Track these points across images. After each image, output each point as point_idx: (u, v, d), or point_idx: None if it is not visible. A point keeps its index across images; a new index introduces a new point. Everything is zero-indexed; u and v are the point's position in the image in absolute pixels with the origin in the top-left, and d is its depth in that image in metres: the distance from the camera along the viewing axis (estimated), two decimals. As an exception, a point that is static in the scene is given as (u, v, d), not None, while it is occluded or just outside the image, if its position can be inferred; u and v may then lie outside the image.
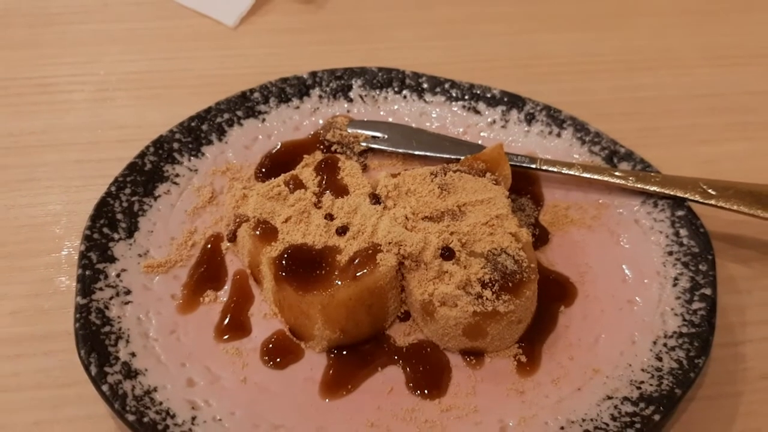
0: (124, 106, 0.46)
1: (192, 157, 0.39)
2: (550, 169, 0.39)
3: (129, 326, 0.32)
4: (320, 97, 0.42)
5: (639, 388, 0.31)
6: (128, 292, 0.33)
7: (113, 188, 0.36)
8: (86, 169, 0.42)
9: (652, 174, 0.38)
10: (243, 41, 0.51)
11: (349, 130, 0.41)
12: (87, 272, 0.33)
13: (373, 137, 0.41)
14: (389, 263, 0.32)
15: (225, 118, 0.41)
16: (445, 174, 0.36)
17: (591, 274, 0.36)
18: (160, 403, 0.29)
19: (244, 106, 0.41)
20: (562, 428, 0.30)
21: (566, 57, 0.51)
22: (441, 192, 0.35)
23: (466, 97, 0.42)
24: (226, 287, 0.35)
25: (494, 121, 0.42)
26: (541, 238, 0.38)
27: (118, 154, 0.41)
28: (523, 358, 0.33)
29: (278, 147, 0.41)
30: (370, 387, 0.32)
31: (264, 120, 0.41)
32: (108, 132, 0.44)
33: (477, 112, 0.42)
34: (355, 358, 0.32)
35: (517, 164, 0.39)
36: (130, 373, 0.30)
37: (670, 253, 0.36)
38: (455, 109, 0.42)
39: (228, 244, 0.36)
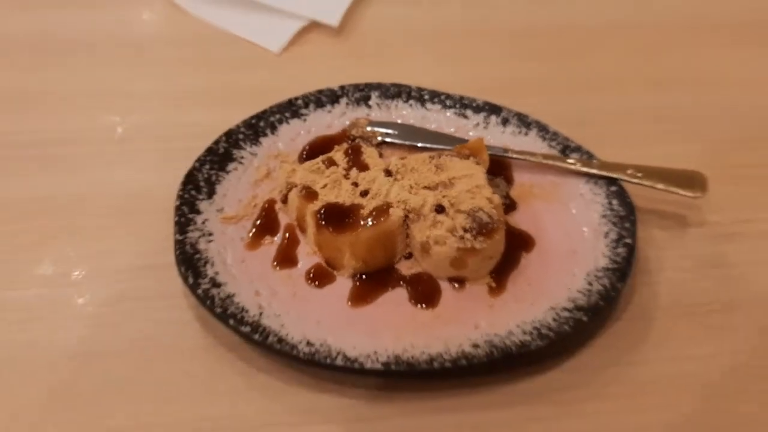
0: (195, 110, 0.58)
1: (252, 145, 0.52)
2: (519, 157, 0.51)
3: (212, 255, 0.44)
4: (347, 104, 0.55)
5: (574, 302, 0.42)
6: (211, 234, 0.46)
7: (197, 164, 0.49)
8: (169, 155, 0.53)
9: (594, 161, 0.51)
10: (286, 64, 0.64)
11: (368, 129, 0.54)
12: (181, 219, 0.46)
13: (387, 133, 0.54)
14: (398, 215, 0.45)
15: (276, 117, 0.54)
16: (440, 157, 0.49)
17: (546, 232, 0.48)
18: (237, 303, 0.42)
19: (290, 109, 0.54)
20: (518, 326, 0.41)
21: (538, 80, 0.62)
22: (436, 170, 0.48)
23: (457, 105, 0.55)
24: (279, 234, 0.47)
25: (478, 124, 0.55)
26: (510, 206, 0.50)
27: (193, 143, 0.52)
28: (494, 284, 0.45)
29: (315, 139, 0.54)
30: (383, 301, 0.44)
31: (305, 120, 0.54)
32: (185, 129, 0.56)
33: (465, 117, 0.55)
34: (372, 281, 0.45)
35: (494, 153, 0.52)
36: (215, 284, 0.43)
37: (604, 216, 0.48)
38: (448, 114, 0.55)
39: (281, 204, 0.49)
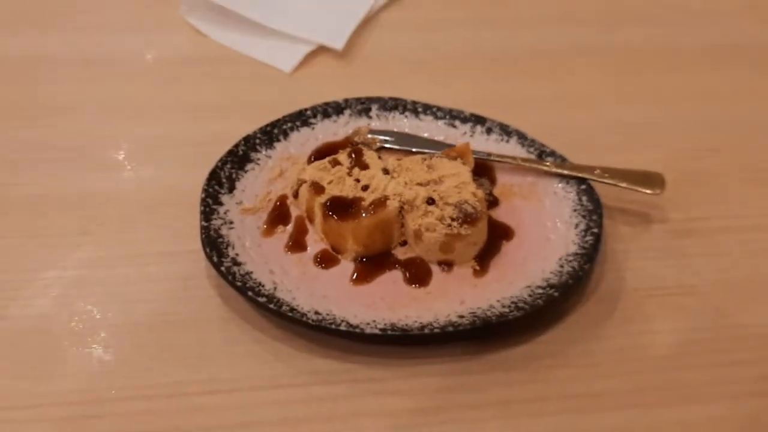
0: (216, 121, 0.65)
1: (267, 149, 0.59)
2: (500, 160, 0.58)
3: (233, 240, 0.51)
4: (350, 114, 0.63)
5: (547, 281, 0.49)
6: (231, 222, 0.52)
7: (219, 164, 0.56)
8: (194, 158, 0.59)
9: (566, 163, 0.58)
10: (296, 82, 0.71)
11: (369, 136, 0.61)
12: (206, 209, 0.52)
13: (385, 140, 0.61)
14: (394, 206, 0.51)
15: (288, 125, 0.61)
16: (431, 159, 0.56)
17: (524, 224, 0.54)
18: (255, 279, 0.48)
19: (300, 118, 0.61)
20: (498, 301, 0.47)
21: (520, 97, 0.70)
22: (428, 169, 0.55)
23: (447, 116, 0.62)
24: (290, 224, 0.54)
25: (465, 132, 0.62)
26: (493, 203, 0.56)
27: (215, 148, 0.58)
28: (477, 267, 0.51)
29: (322, 145, 0.61)
30: (381, 281, 0.50)
31: (314, 128, 0.61)
32: (208, 136, 0.63)
33: (454, 126, 0.62)
34: (372, 264, 0.51)
35: (479, 157, 0.58)
36: (236, 263, 0.49)
37: (575, 210, 0.54)
38: (439, 124, 0.62)
39: (292, 199, 0.56)
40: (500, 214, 0.56)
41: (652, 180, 0.56)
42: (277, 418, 0.44)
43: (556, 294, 0.47)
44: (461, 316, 0.46)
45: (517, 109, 0.68)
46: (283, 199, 0.56)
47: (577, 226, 0.53)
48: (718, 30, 0.82)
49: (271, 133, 0.60)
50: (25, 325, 0.48)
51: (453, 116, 0.62)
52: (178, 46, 0.77)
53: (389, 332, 0.45)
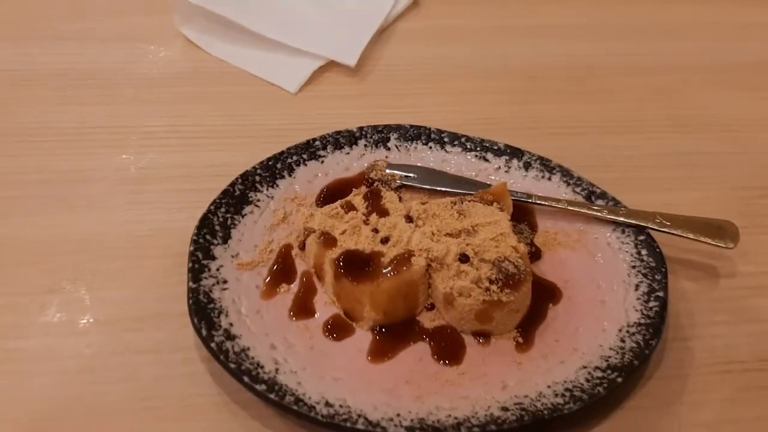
0: (211, 150, 0.57)
1: (269, 188, 0.51)
2: (543, 203, 0.50)
3: (227, 305, 0.43)
4: (365, 146, 0.54)
5: (607, 360, 0.40)
6: (225, 282, 0.44)
7: (212, 207, 0.48)
8: (183, 196, 0.53)
9: (621, 208, 0.49)
10: (303, 104, 0.63)
11: (388, 171, 0.53)
12: (195, 265, 0.44)
13: (406, 176, 0.52)
14: (420, 264, 0.43)
15: (294, 159, 0.53)
16: (462, 203, 0.47)
17: (573, 282, 0.46)
18: (252, 358, 0.40)
19: (308, 150, 0.53)
20: (548, 386, 0.39)
21: (559, 122, 0.62)
22: (459, 216, 0.47)
23: (478, 148, 0.54)
24: (295, 282, 0.45)
25: (499, 167, 0.53)
26: (535, 255, 0.48)
27: (207, 185, 0.51)
28: (521, 340, 0.43)
29: (333, 182, 0.52)
30: (405, 356, 0.42)
31: (323, 162, 0.53)
32: (199, 169, 0.55)
33: (486, 160, 0.54)
34: (393, 335, 0.42)
35: (517, 199, 0.50)
36: (230, 336, 0.41)
37: (633, 267, 0.46)
38: (469, 157, 0.54)
39: (297, 250, 0.47)
40: (544, 269, 0.47)
41: (723, 230, 0.47)
42: None
43: (619, 379, 0.39)
44: (505, 409, 0.38)
45: (554, 136, 0.61)
46: (287, 249, 0.47)
47: (637, 287, 0.44)
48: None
49: (273, 169, 0.51)
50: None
51: (485, 148, 0.54)
52: (168, 60, 0.68)
53: (417, 432, 0.36)
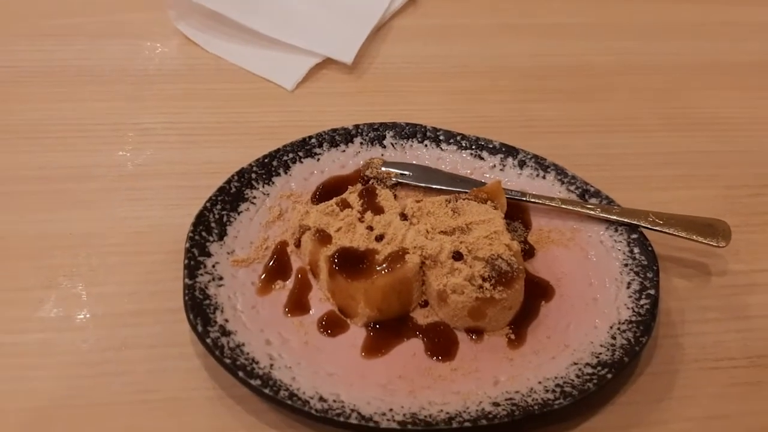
0: (208, 147, 0.57)
1: (265, 185, 0.51)
2: (537, 201, 0.50)
3: (222, 301, 0.43)
4: (361, 143, 0.55)
5: (597, 357, 0.41)
6: (221, 278, 0.44)
7: (208, 204, 0.48)
8: (180, 193, 0.53)
9: (614, 207, 0.50)
10: (299, 101, 0.63)
11: (383, 169, 0.53)
12: (191, 262, 0.44)
13: (402, 174, 0.52)
14: (414, 261, 0.43)
15: (290, 156, 0.53)
16: (456, 201, 0.48)
17: (566, 280, 0.47)
18: (248, 353, 0.40)
19: (304, 148, 0.53)
20: (539, 382, 0.40)
21: (554, 120, 0.62)
22: (453, 214, 0.47)
23: (473, 147, 0.54)
24: (291, 279, 0.46)
25: (494, 166, 0.54)
26: (528, 252, 0.48)
27: (204, 182, 0.52)
28: (513, 336, 0.43)
29: (329, 179, 0.53)
30: (398, 352, 0.42)
31: (319, 159, 0.53)
32: (196, 166, 0.55)
33: (481, 158, 0.54)
34: (387, 331, 0.43)
35: (511, 197, 0.50)
36: (225, 332, 0.41)
37: (626, 265, 0.46)
38: (464, 155, 0.54)
39: (293, 247, 0.48)
40: (537, 266, 0.48)
41: (715, 229, 0.48)
42: None
43: (609, 375, 0.39)
44: (496, 404, 0.38)
45: (549, 134, 0.61)
46: (282, 246, 0.48)
47: (629, 285, 0.45)
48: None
49: (269, 166, 0.52)
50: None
51: (480, 146, 0.54)
52: (165, 57, 0.68)
53: (410, 427, 0.37)
